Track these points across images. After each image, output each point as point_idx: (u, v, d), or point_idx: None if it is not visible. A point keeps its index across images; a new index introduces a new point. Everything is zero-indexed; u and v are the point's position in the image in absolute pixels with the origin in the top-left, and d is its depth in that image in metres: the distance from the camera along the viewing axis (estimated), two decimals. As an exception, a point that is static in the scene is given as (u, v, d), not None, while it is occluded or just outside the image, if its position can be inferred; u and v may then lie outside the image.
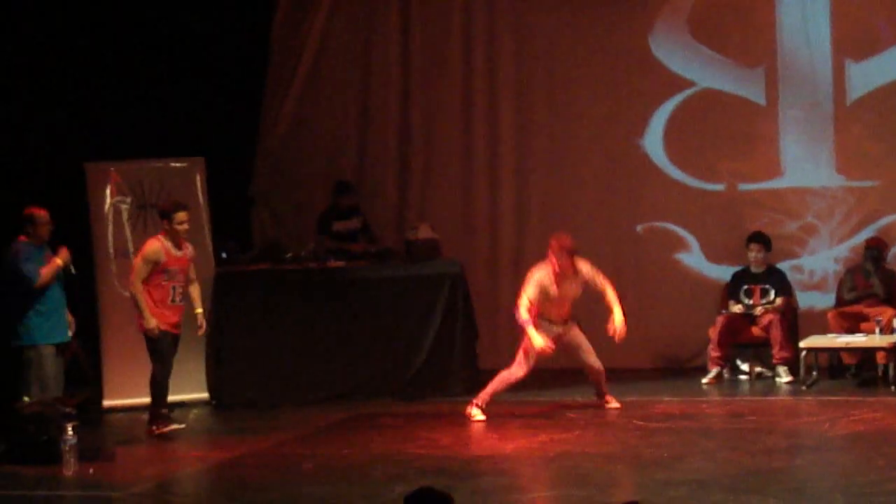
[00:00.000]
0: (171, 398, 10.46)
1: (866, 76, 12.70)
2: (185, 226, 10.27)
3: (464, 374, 11.74)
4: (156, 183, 11.76)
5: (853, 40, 12.74)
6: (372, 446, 9.56)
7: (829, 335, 11.88)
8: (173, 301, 10.22)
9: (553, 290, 10.41)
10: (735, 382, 12.19)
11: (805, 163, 12.89)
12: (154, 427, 10.21)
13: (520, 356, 10.52)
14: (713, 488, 7.80)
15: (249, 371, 11.56)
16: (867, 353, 11.89)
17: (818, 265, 12.87)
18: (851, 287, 12.36)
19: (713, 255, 13.07)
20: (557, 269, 10.40)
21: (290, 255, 12.03)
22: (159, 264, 10.13)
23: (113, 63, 12.47)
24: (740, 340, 12.32)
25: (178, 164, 11.93)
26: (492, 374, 12.23)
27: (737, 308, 12.31)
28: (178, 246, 10.28)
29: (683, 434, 9.67)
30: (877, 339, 11.55)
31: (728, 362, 12.28)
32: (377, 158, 13.73)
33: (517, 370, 10.54)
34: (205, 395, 11.64)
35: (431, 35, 13.66)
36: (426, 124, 13.68)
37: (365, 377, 11.64)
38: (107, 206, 11.70)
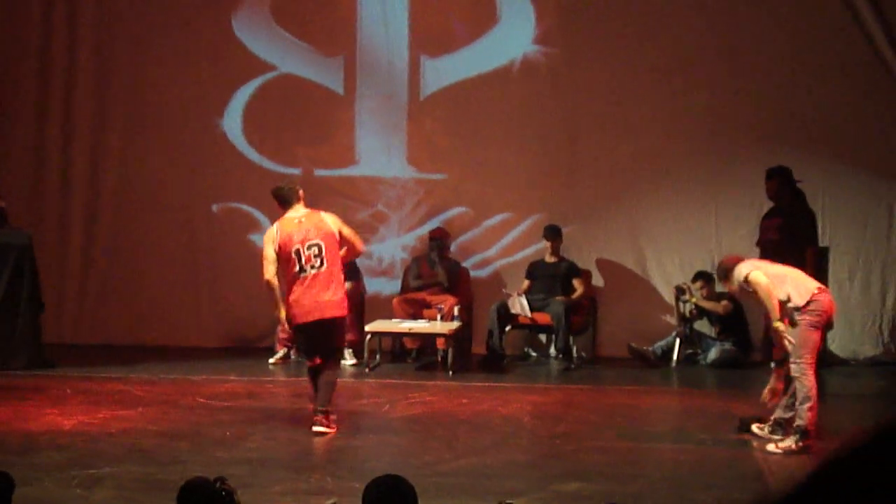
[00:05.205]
0: None
1: (440, 72, 13.17)
2: None
3: (27, 347, 11.40)
4: None
5: (429, 37, 13.18)
6: (-77, 420, 9.17)
7: (394, 320, 12.28)
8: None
9: None
10: (300, 364, 12.38)
11: (378, 153, 13.25)
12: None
13: None
14: (274, 467, 7.93)
15: None
16: (428, 339, 12.37)
17: (386, 252, 13.27)
18: (417, 275, 12.82)
19: (286, 238, 13.21)
20: None
21: None
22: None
23: None
24: (308, 322, 12.53)
25: None
26: (57, 348, 11.96)
27: (306, 291, 12.53)
28: None
29: (247, 413, 9.77)
30: (438, 326, 12.03)
31: (295, 344, 12.48)
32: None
33: None
34: None
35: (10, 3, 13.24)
36: (-2, 89, 13.23)
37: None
38: None
